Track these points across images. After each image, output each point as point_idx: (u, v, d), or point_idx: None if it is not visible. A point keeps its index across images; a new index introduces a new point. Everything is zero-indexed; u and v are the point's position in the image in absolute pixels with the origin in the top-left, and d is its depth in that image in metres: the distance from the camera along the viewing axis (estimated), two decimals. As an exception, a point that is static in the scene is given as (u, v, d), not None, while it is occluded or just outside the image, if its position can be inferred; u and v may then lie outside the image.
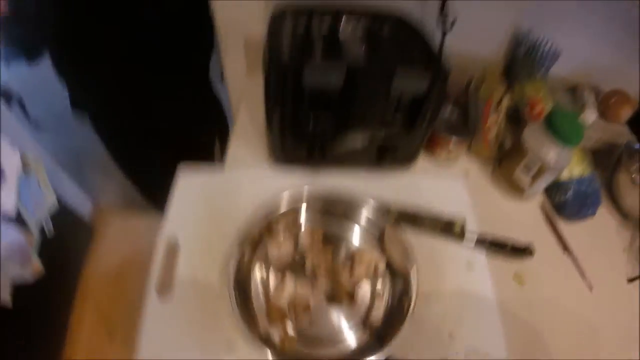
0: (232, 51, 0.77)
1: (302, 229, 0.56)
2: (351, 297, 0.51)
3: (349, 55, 0.56)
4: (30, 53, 0.81)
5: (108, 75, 0.87)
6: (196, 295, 0.50)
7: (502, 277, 0.60)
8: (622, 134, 0.83)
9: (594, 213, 0.73)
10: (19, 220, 1.05)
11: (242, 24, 0.72)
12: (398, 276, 0.53)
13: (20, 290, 1.04)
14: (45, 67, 0.95)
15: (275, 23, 0.59)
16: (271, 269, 0.53)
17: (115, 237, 1.52)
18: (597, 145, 0.84)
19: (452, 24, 0.66)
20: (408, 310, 0.47)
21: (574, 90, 0.85)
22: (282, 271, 0.53)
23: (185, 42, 0.93)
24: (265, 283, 0.52)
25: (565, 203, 0.72)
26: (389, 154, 0.59)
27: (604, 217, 0.76)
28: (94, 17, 0.74)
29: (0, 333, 1.03)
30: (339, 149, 0.57)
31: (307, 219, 0.57)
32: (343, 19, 0.62)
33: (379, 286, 0.53)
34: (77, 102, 0.97)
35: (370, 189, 0.61)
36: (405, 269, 0.51)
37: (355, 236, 0.58)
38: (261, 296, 0.51)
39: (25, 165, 1.03)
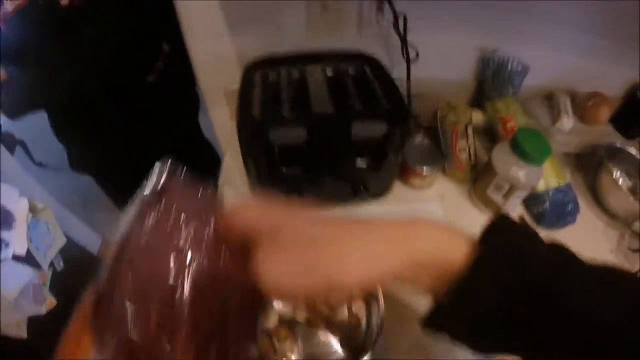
0: (216, 103, 0.88)
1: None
2: (330, 322, 0.61)
3: (315, 100, 0.65)
4: (27, 113, 0.91)
5: (106, 140, 0.97)
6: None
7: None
8: (603, 134, 0.87)
9: (573, 221, 0.77)
10: (32, 261, 1.18)
11: (221, 78, 0.83)
12: (373, 300, 0.62)
13: (34, 321, 1.16)
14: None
15: (248, 75, 0.69)
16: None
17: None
18: (579, 149, 0.88)
19: (416, 56, 0.76)
20: (382, 330, 0.57)
21: (550, 98, 0.91)
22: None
23: (176, 101, 1.05)
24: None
25: (543, 214, 0.77)
26: (363, 189, 0.68)
27: (589, 220, 0.80)
28: (92, 87, 0.83)
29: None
30: (315, 189, 0.67)
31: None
32: (309, 64, 0.71)
33: (355, 311, 0.62)
34: (76, 165, 1.09)
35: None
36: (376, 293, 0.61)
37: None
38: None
39: (34, 211, 1.16)
